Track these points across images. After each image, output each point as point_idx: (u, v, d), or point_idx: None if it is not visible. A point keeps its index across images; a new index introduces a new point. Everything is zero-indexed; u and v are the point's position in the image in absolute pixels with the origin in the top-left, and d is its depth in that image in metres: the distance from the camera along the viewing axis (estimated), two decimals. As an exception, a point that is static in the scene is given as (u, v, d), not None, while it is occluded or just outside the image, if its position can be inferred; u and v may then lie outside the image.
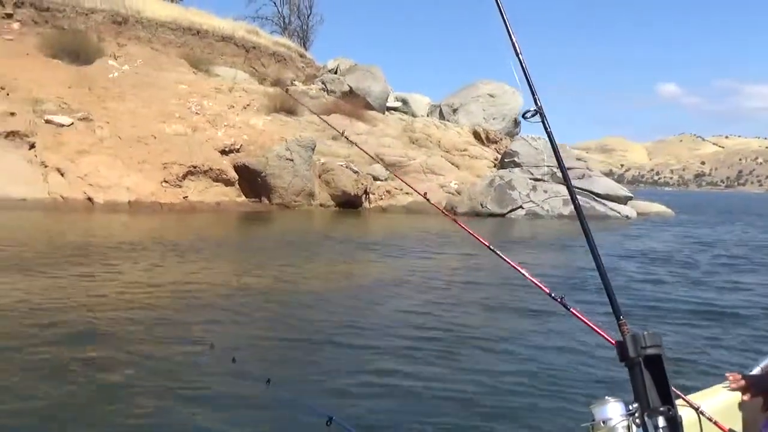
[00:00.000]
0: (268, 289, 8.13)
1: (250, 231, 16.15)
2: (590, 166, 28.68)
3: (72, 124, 19.33)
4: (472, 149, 27.44)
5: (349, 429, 2.36)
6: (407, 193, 22.16)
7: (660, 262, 12.27)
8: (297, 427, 3.78)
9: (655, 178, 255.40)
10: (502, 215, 21.10)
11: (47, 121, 18.93)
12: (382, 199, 22.10)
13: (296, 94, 27.21)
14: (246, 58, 30.10)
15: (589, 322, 1.84)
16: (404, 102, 32.25)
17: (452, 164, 25.53)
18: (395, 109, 31.10)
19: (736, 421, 2.24)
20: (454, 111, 31.62)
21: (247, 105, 24.44)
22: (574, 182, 21.95)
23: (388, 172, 23.35)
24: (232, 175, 20.34)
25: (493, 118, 31.38)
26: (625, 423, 1.39)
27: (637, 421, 1.35)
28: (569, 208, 22.03)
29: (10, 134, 17.72)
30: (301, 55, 34.81)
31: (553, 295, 1.94)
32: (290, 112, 25.52)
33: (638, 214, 24.59)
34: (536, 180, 22.86)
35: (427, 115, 32.28)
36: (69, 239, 11.76)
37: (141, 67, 24.24)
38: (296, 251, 11.76)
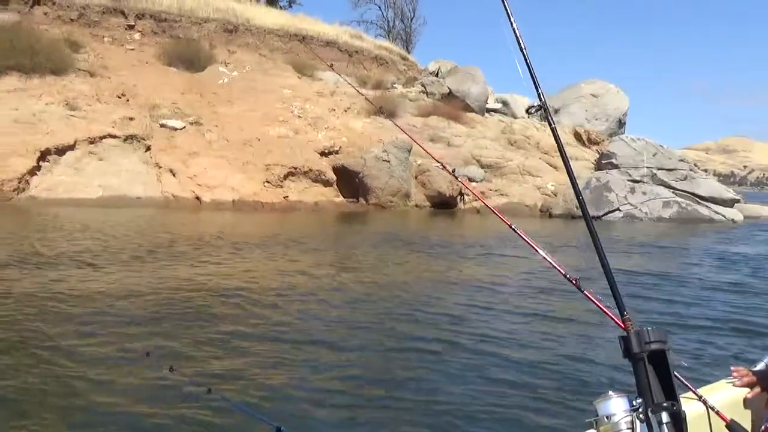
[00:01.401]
0: (361, 284, 8.56)
1: (348, 229, 16.76)
2: (701, 167, 27.79)
3: (184, 127, 20.68)
4: (572, 150, 27.06)
5: None
6: (502, 195, 22.25)
7: (746, 269, 11.40)
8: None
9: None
10: (598, 218, 20.77)
11: (162, 125, 20.35)
12: (476, 200, 22.25)
13: (396, 97, 27.81)
14: (349, 62, 30.96)
15: (601, 305, 1.82)
16: (504, 103, 32.16)
17: (550, 166, 25.32)
18: (495, 110, 31.09)
19: (740, 415, 2.23)
20: (555, 112, 31.26)
21: (348, 108, 25.20)
22: (677, 184, 21.35)
23: (483, 173, 23.50)
24: (331, 176, 21.08)
25: (596, 119, 30.80)
26: (629, 418, 1.39)
27: (641, 416, 1.36)
28: (669, 211, 21.43)
29: (129, 137, 19.20)
30: (404, 58, 35.37)
31: (568, 276, 1.90)
32: (389, 114, 26.08)
33: (746, 217, 23.50)
34: (634, 182, 22.33)
35: (528, 116, 32.07)
36: (186, 233, 12.80)
37: (249, 72, 25.51)
38: (392, 249, 12.17)
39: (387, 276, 9.34)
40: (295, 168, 20.50)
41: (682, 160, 24.04)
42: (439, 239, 14.25)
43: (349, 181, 21.34)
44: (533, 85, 1.70)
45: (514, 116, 31.11)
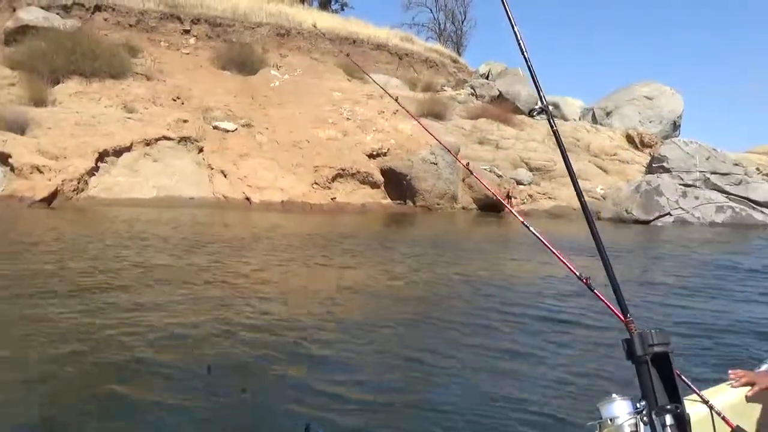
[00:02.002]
0: (403, 283, 8.74)
1: (395, 231, 16.94)
2: (764, 171, 27.04)
3: (236, 129, 21.17)
4: (624, 153, 26.72)
5: None
6: (550, 198, 22.12)
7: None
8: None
9: None
10: (648, 222, 20.45)
11: (215, 128, 20.86)
12: (524, 203, 22.16)
13: (445, 99, 27.90)
14: (399, 65, 31.18)
15: (610, 305, 1.80)
16: (556, 106, 31.91)
17: (600, 169, 25.05)
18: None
19: (745, 418, 2.25)
20: (608, 114, 30.90)
21: (397, 110, 25.34)
22: (731, 188, 20.86)
23: (531, 176, 23.39)
24: (379, 178, 21.28)
25: (650, 121, 30.32)
26: (633, 421, 1.40)
27: (645, 419, 1.37)
28: (722, 216, 20.94)
29: (183, 139, 19.74)
30: (454, 60, 35.44)
31: (578, 274, 1.91)
32: (438, 116, 26.18)
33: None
34: (687, 186, 21.90)
35: (579, 119, 31.77)
36: (241, 232, 13.30)
37: (300, 75, 25.93)
38: (439, 250, 12.29)
39: (432, 276, 9.45)
40: (343, 170, 20.76)
41: (736, 164, 23.46)
42: (484, 241, 14.29)
43: (397, 183, 21.51)
44: (535, 88, 1.73)
45: (565, 119, 30.86)
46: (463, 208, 21.99)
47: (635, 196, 21.20)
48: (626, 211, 20.87)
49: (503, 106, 28.02)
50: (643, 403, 1.37)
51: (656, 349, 1.38)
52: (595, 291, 1.89)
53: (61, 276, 7.70)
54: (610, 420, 1.42)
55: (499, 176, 22.57)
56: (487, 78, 31.66)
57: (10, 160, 16.49)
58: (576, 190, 1.70)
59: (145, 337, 5.35)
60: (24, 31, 21.61)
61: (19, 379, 4.25)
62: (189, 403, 4.02)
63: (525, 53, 1.69)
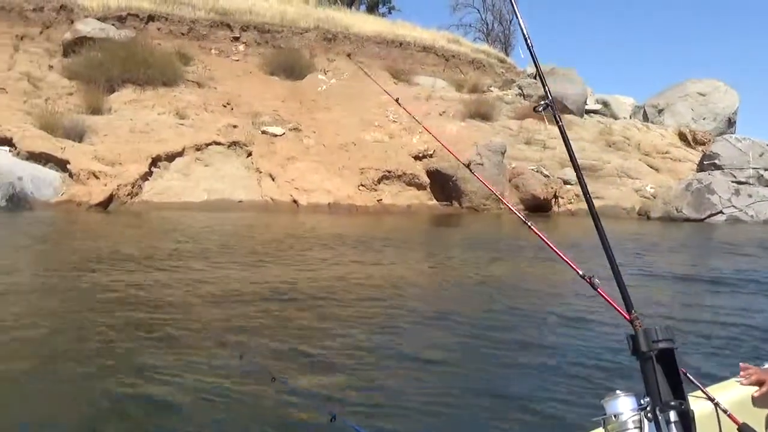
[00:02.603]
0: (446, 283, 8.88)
1: (442, 231, 17.06)
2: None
3: (284, 134, 21.58)
4: (676, 151, 26.20)
5: None
6: (598, 197, 21.85)
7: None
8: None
9: None
10: (700, 220, 20.04)
11: (263, 132, 21.30)
12: (571, 203, 21.97)
13: (492, 100, 27.83)
14: (446, 66, 31.20)
15: (614, 303, 1.75)
16: (605, 104, 31.51)
17: (651, 167, 24.63)
18: (595, 111, 30.50)
19: (751, 415, 2.19)
20: (659, 112, 30.33)
21: (443, 112, 25.46)
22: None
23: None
24: (424, 179, 21.40)
25: (703, 118, 29.64)
26: (637, 417, 1.40)
27: (649, 415, 1.37)
28: (780, 213, 20.39)
29: (232, 144, 20.23)
30: (501, 61, 35.24)
31: (581, 273, 1.87)
32: (485, 117, 26.16)
33: None
34: (740, 183, 21.38)
35: (630, 117, 31.29)
36: (291, 233, 13.71)
37: (347, 79, 26.22)
38: (484, 250, 12.37)
39: (477, 276, 9.53)
40: (389, 172, 20.95)
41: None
42: (530, 241, 14.26)
43: (443, 185, 21.59)
44: (540, 83, 1.77)
45: (615, 117, 30.44)
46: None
47: (686, 195, 20.80)
48: (676, 209, 20.48)
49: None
50: (647, 399, 1.37)
51: (661, 345, 1.38)
52: (598, 290, 1.83)
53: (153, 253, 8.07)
54: (614, 416, 1.42)
55: (546, 176, 22.43)
56: (534, 78, 31.44)
57: (68, 166, 17.19)
58: (581, 185, 1.79)
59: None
60: (81, 42, 22.43)
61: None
62: (219, 384, 4.24)
63: (531, 48, 1.73)
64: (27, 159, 17.12)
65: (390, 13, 44.99)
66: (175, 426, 3.73)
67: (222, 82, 23.79)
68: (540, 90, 29.01)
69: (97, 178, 17.18)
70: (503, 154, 22.12)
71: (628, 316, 1.49)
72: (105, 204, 16.63)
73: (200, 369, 4.59)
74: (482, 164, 21.57)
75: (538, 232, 2.13)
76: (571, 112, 28.28)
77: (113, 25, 24.02)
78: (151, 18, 25.68)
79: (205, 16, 26.90)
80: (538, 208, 21.81)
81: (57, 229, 13.59)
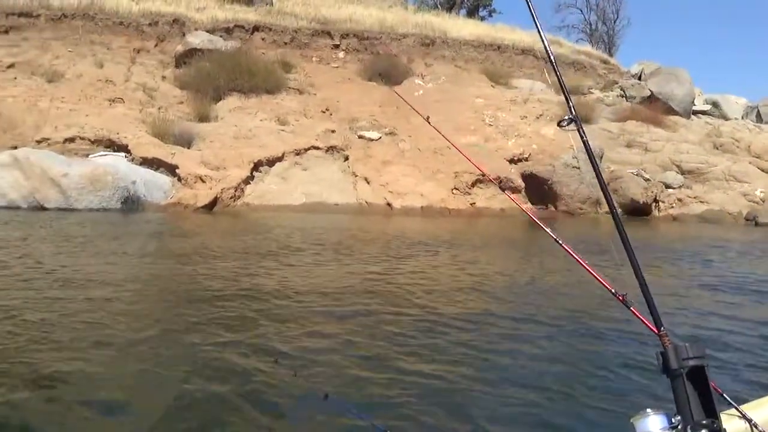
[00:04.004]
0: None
1: (536, 234, 17.02)
2: None
3: (380, 138, 22.06)
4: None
5: None
6: (701, 202, 21.08)
7: None
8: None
9: None
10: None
11: (360, 137, 21.87)
12: (672, 207, 21.27)
13: (592, 102, 27.31)
14: (545, 69, 30.82)
15: (647, 322, 1.75)
16: (715, 104, 30.26)
17: (762, 171, 23.46)
18: (703, 112, 29.35)
19: None
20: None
21: (540, 115, 25.22)
22: None
23: (682, 179, 22.38)
24: (519, 182, 21.31)
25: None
26: None
27: None
28: None
29: (330, 149, 20.89)
30: (604, 62, 34.48)
31: (613, 291, 1.89)
32: (584, 120, 25.64)
33: None
34: None
35: (742, 118, 29.90)
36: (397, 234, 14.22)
37: (444, 84, 26.46)
38: (589, 253, 12.29)
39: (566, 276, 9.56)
40: (484, 175, 21.01)
41: None
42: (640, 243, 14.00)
43: (538, 188, 21.43)
44: (564, 98, 1.80)
45: (725, 118, 29.17)
46: (608, 212, 21.44)
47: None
48: (788, 214, 19.46)
49: (654, 107, 26.99)
50: (679, 417, 1.36)
51: (691, 362, 1.37)
52: (632, 309, 1.86)
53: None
54: None
55: (647, 180, 21.81)
56: (639, 78, 30.59)
57: (177, 171, 18.30)
58: (602, 189, 1.83)
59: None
60: (192, 53, 23.78)
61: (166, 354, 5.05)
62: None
63: (554, 63, 1.77)
64: (141, 164, 18.36)
65: (491, 16, 44.84)
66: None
67: (321, 89, 24.57)
68: (643, 91, 28.33)
69: (203, 181, 18.20)
70: (601, 157, 21.69)
71: (657, 331, 1.50)
72: (210, 206, 17.60)
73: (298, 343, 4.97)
74: (578, 167, 21.27)
75: (569, 250, 2.15)
76: (676, 113, 27.37)
77: (221, 36, 25.30)
78: (256, 29, 26.86)
79: (307, 26, 27.85)
80: (637, 212, 21.27)
81: (170, 227, 14.56)
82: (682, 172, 22.77)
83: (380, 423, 2.86)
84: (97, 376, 4.38)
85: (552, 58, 1.80)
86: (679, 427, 1.34)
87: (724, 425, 1.37)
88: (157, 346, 5.10)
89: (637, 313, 1.84)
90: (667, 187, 21.85)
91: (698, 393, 1.36)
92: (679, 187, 22.04)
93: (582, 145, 1.88)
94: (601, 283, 1.86)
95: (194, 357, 4.83)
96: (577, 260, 2.03)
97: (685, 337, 5.86)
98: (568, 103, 1.79)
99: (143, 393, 4.23)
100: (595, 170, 1.81)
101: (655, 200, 21.41)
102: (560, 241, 2.20)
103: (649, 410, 1.41)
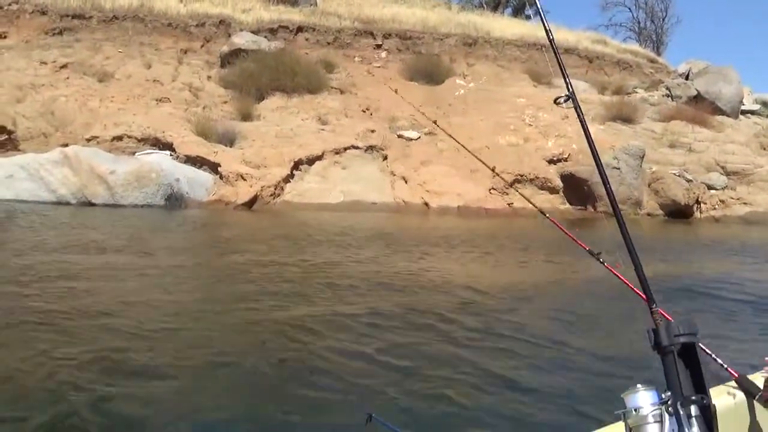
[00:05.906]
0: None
1: (577, 234, 16.98)
2: None
3: (419, 138, 22.23)
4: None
5: None
6: (745, 203, 20.68)
7: None
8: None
9: None
10: None
11: (399, 136, 22.08)
12: (715, 209, 20.93)
13: (636, 102, 26.99)
14: (589, 68, 30.59)
15: (638, 291, 1.77)
16: (765, 104, 29.54)
17: (812, 173, 22.88)
18: (752, 112, 28.69)
19: None
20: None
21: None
22: None
23: (726, 180, 21.99)
24: (558, 183, 21.25)
25: None
26: (658, 411, 1.38)
27: (670, 409, 1.35)
28: None
29: (369, 148, 21.16)
30: (651, 61, 33.97)
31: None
32: (627, 120, 25.47)
33: None
34: None
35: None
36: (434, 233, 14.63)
37: (485, 83, 26.49)
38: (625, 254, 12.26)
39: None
40: (521, 175, 21.02)
41: None
42: (670, 247, 13.93)
43: (577, 189, 21.32)
44: (562, 76, 1.87)
45: (775, 117, 28.48)
46: (648, 214, 21.23)
47: None
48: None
49: (701, 107, 26.50)
50: (669, 393, 1.37)
51: (682, 339, 1.39)
52: (626, 282, 1.96)
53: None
54: (635, 410, 1.41)
55: (689, 180, 21.49)
56: (686, 78, 30.04)
57: (219, 168, 18.79)
58: (602, 178, 1.85)
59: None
60: (236, 54, 24.31)
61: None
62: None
63: (553, 42, 1.85)
64: (185, 162, 18.91)
65: (537, 14, 44.44)
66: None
67: (363, 89, 24.85)
68: (690, 90, 27.88)
69: (244, 179, 18.64)
70: (642, 157, 21.46)
71: (650, 308, 1.52)
72: (250, 204, 18.03)
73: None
74: (619, 168, 21.11)
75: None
76: (723, 112, 26.84)
77: (265, 37, 25.78)
78: (300, 29, 27.29)
79: (350, 26, 28.17)
80: (679, 213, 21.00)
81: (214, 222, 15.08)
82: (727, 173, 22.37)
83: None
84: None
85: (551, 36, 1.91)
86: (669, 402, 1.36)
87: (714, 401, 1.39)
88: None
89: (625, 280, 2.00)
90: (710, 188, 21.50)
91: (688, 369, 1.39)
92: (723, 188, 21.67)
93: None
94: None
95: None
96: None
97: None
98: (565, 80, 1.89)
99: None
100: (592, 152, 1.81)
101: (698, 201, 21.10)
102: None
103: (639, 386, 1.42)
